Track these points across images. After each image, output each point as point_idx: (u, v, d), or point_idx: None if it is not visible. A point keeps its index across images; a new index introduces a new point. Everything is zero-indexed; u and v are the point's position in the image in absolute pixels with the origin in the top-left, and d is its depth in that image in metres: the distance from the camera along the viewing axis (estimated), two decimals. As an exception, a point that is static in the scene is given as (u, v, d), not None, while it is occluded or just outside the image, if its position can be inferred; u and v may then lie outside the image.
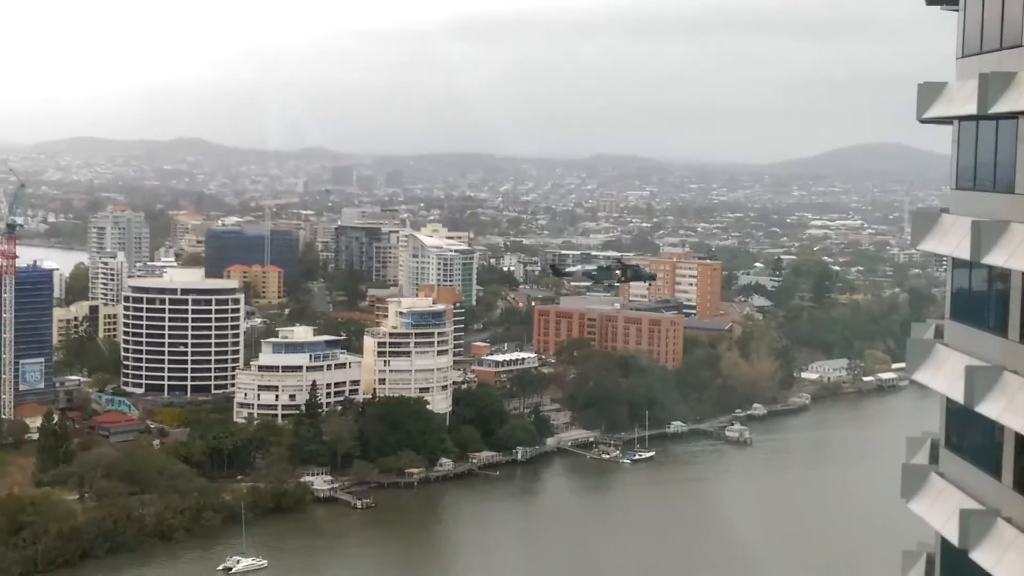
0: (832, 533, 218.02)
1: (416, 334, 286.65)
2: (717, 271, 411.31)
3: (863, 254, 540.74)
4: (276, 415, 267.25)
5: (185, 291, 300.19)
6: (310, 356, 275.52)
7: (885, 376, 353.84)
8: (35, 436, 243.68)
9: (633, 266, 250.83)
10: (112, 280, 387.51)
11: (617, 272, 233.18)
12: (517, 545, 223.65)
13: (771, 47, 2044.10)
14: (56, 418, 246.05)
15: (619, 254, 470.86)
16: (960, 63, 39.64)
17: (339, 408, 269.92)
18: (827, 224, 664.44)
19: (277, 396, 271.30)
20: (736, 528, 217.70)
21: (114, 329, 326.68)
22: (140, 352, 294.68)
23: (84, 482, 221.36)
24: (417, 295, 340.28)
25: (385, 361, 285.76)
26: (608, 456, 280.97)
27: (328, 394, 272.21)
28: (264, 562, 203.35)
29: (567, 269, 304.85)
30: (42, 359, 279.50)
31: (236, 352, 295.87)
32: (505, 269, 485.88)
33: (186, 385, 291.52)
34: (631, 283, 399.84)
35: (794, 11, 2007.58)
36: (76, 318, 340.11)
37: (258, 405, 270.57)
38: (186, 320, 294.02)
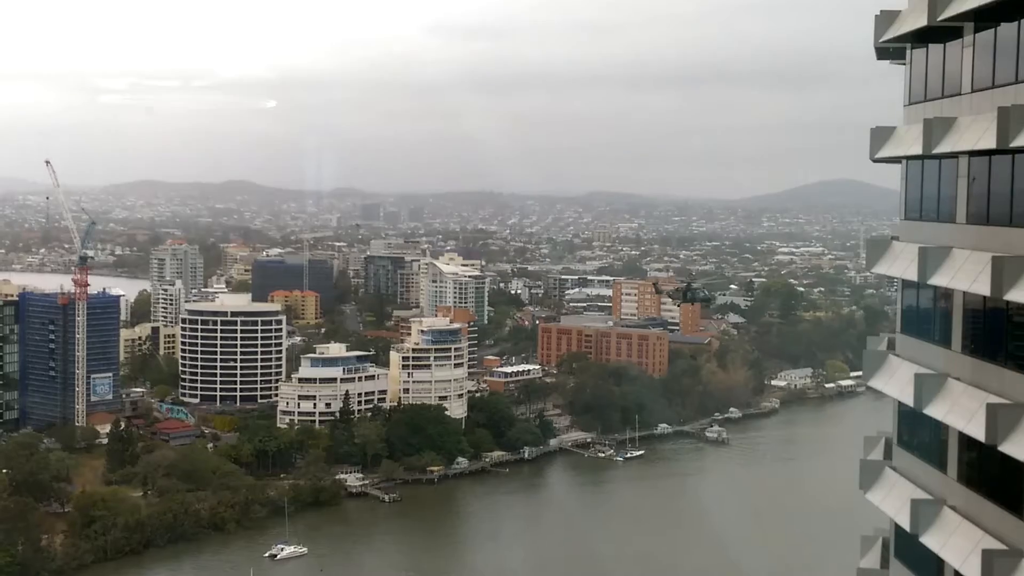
0: (799, 520, 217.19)
1: (436, 349, 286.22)
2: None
3: (824, 277, 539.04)
4: (314, 421, 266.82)
5: (234, 314, 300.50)
6: (343, 369, 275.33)
7: (844, 383, 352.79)
8: (105, 441, 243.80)
9: (697, 289, 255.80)
10: (171, 304, 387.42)
11: (692, 293, 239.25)
12: (525, 531, 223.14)
13: (745, 97, 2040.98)
14: (123, 425, 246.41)
15: (612, 278, 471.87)
16: (907, 110, 39.73)
17: (369, 414, 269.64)
18: (793, 251, 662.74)
19: (315, 404, 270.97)
20: (715, 514, 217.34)
21: (173, 347, 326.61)
22: (196, 367, 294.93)
23: (147, 481, 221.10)
24: (436, 315, 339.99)
25: (409, 373, 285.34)
26: (603, 454, 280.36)
27: (359, 402, 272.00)
28: (305, 549, 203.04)
29: (667, 291, 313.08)
30: (110, 374, 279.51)
31: (279, 366, 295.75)
32: (513, 292, 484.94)
33: (236, 395, 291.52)
34: (624, 303, 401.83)
35: (766, 67, 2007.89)
36: (140, 338, 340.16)
37: (298, 412, 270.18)
38: (235, 339, 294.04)
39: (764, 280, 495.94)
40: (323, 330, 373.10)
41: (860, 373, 47.21)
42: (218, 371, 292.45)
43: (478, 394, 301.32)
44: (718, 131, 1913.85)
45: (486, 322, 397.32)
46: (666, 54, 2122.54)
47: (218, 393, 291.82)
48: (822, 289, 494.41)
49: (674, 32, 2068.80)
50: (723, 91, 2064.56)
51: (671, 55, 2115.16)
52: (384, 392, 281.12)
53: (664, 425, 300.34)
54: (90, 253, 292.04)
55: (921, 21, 36.01)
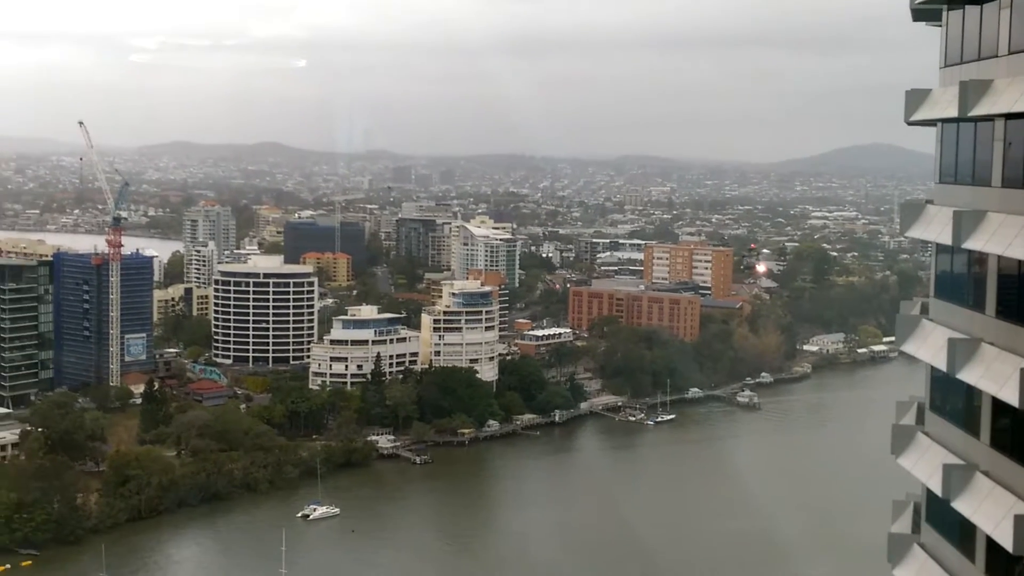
0: (830, 484, 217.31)
1: (467, 312, 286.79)
2: (729, 257, 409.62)
3: (857, 241, 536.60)
4: (346, 382, 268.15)
5: (267, 275, 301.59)
6: (375, 331, 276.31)
7: (877, 348, 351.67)
8: (139, 401, 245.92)
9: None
10: (204, 266, 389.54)
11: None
12: (555, 494, 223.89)
13: (780, 61, 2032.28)
14: (156, 385, 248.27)
15: (644, 242, 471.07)
16: (943, 72, 39.37)
17: (400, 376, 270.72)
18: (826, 215, 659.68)
19: (346, 366, 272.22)
20: (746, 479, 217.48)
21: (206, 308, 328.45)
22: (228, 328, 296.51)
23: (181, 441, 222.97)
24: (467, 278, 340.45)
25: (440, 335, 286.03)
26: (634, 418, 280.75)
27: (390, 364, 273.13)
28: (337, 509, 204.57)
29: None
30: (144, 334, 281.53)
31: (311, 328, 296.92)
32: (544, 255, 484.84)
33: (268, 357, 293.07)
34: (655, 267, 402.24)
35: (802, 30, 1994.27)
36: (173, 298, 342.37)
37: (330, 374, 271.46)
38: (268, 300, 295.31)
39: (797, 244, 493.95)
40: (355, 292, 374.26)
41: (893, 338, 47.03)
42: (250, 332, 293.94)
43: (509, 357, 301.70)
44: (753, 95, 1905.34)
45: (517, 285, 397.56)
46: (703, 17, 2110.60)
47: (250, 354, 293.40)
48: (855, 254, 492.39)
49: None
50: (759, 54, 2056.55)
51: (708, 18, 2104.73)
52: (415, 354, 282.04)
53: (695, 389, 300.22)
54: (123, 214, 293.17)
55: (959, -18, 35.66)
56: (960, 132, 37.64)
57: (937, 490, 35.72)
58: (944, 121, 38.40)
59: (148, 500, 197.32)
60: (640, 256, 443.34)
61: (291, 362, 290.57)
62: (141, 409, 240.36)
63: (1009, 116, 33.72)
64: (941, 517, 37.66)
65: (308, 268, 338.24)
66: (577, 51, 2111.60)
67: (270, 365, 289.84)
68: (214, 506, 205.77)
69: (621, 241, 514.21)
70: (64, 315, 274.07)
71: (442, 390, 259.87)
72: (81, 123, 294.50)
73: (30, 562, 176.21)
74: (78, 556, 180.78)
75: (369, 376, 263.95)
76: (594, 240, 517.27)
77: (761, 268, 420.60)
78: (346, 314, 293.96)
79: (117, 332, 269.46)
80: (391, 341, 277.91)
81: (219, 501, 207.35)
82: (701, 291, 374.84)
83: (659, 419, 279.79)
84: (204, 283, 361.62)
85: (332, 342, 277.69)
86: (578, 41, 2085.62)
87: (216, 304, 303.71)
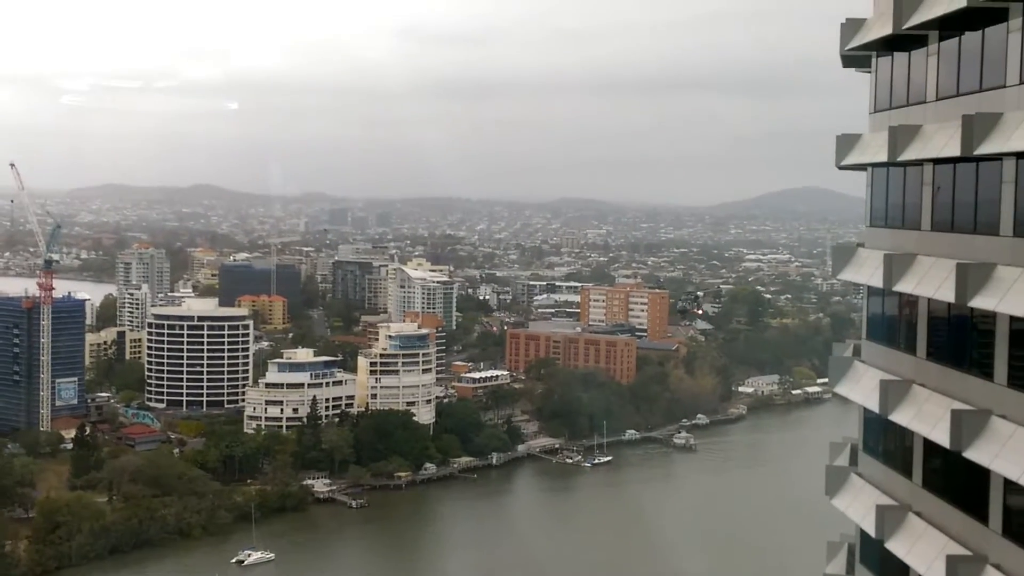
0: (765, 525, 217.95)
1: (403, 355, 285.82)
2: (665, 299, 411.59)
3: (791, 284, 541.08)
4: (281, 426, 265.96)
5: (201, 318, 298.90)
6: (311, 374, 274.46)
7: (811, 390, 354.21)
8: (69, 446, 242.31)
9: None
10: (137, 309, 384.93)
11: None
12: (492, 538, 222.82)
13: (715, 105, 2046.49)
14: (88, 430, 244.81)
15: (580, 284, 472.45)
16: (872, 117, 39.91)
17: (336, 420, 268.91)
18: (760, 258, 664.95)
19: (282, 409, 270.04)
20: (682, 520, 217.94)
21: (139, 352, 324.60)
22: (162, 372, 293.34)
23: (112, 486, 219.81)
24: (404, 321, 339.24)
25: (376, 378, 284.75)
26: (571, 460, 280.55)
27: (327, 408, 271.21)
28: (272, 555, 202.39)
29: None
30: (75, 378, 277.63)
31: (246, 371, 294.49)
32: (481, 298, 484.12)
33: (202, 400, 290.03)
34: (592, 309, 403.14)
35: (736, 75, 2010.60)
36: (105, 342, 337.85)
37: (265, 417, 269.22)
38: (202, 343, 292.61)
39: (731, 287, 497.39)
40: (290, 335, 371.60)
41: (826, 380, 47.42)
42: (184, 376, 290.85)
43: (446, 400, 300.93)
44: (688, 138, 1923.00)
45: (454, 328, 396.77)
46: (641, 62, 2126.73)
47: (184, 398, 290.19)
48: (789, 296, 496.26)
49: (650, 41, 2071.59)
50: (694, 99, 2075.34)
51: (646, 63, 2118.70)
52: (352, 397, 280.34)
53: (632, 431, 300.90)
54: (55, 257, 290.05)
55: (886, 29, 36.15)
56: (890, 176, 38.12)
57: (871, 531, 35.90)
58: (874, 165, 38.91)
59: (79, 547, 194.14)
60: (576, 299, 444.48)
61: (226, 406, 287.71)
62: (72, 454, 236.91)
63: (938, 161, 34.21)
64: (875, 558, 37.84)
65: (243, 311, 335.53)
66: (514, 95, 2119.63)
67: (204, 409, 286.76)
68: (146, 552, 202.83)
69: (558, 283, 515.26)
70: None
71: (378, 433, 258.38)
72: (12, 165, 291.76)
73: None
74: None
75: (305, 419, 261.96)
76: (531, 282, 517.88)
77: (699, 312, 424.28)
78: (282, 357, 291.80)
79: (48, 376, 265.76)
80: (327, 384, 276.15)
81: (152, 547, 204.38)
82: (637, 333, 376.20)
83: (596, 461, 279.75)
84: (137, 326, 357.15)
85: (267, 385, 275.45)
86: (515, 85, 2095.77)
87: (150, 347, 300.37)
